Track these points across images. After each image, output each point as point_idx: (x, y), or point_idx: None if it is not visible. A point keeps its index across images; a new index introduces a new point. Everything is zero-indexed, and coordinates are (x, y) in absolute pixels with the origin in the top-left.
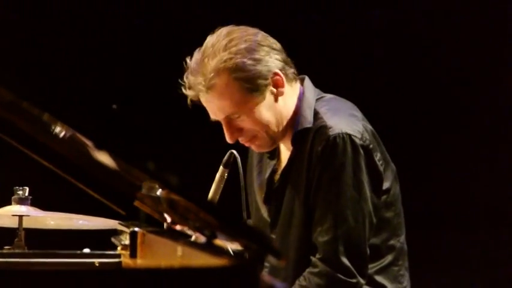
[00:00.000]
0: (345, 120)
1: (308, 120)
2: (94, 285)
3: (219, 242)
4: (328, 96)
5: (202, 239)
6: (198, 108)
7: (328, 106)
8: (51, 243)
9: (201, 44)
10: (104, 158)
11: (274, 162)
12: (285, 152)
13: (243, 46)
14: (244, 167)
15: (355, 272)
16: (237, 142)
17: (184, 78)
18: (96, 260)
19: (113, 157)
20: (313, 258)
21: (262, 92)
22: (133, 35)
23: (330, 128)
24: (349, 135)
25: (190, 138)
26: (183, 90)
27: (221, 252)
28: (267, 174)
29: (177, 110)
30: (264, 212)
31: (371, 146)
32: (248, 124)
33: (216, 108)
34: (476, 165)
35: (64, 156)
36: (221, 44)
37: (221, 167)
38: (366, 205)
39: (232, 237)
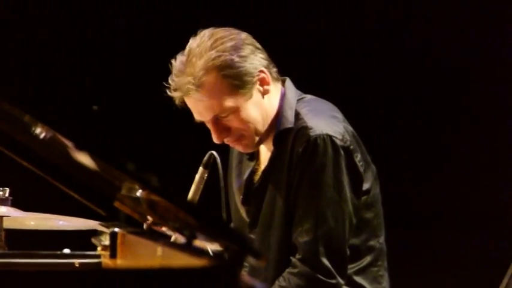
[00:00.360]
0: (325, 121)
1: (289, 120)
2: (74, 286)
3: (199, 242)
4: (309, 97)
5: (182, 239)
6: (179, 110)
7: (309, 107)
8: (31, 243)
9: (183, 45)
10: (84, 158)
11: (253, 163)
12: (265, 153)
13: (229, 44)
14: (224, 167)
15: (334, 272)
16: (216, 144)
17: (170, 80)
18: (76, 261)
19: (93, 158)
20: (293, 259)
21: (249, 89)
22: (115, 36)
23: (311, 129)
24: (330, 136)
25: (170, 139)
26: (168, 93)
27: (201, 252)
28: (245, 175)
29: (158, 111)
30: (243, 212)
31: (351, 147)
32: (235, 123)
33: (203, 108)
34: (462, 166)
35: (44, 157)
36: (207, 44)
37: (201, 168)
38: (346, 206)
39: (211, 238)
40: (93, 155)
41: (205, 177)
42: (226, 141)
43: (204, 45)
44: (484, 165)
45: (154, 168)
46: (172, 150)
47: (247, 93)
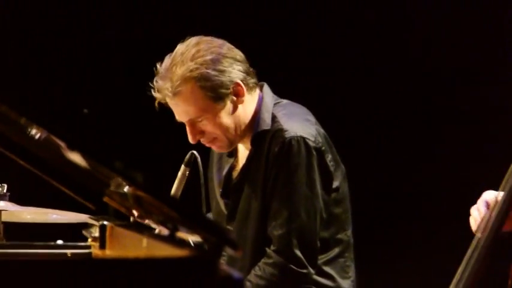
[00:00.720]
0: (300, 124)
1: (266, 122)
2: (66, 274)
3: (181, 234)
4: (285, 101)
5: (165, 231)
6: (164, 113)
7: (285, 111)
8: (27, 235)
9: (168, 50)
10: (76, 157)
11: (232, 160)
12: (243, 151)
13: (208, 57)
14: (204, 166)
15: (306, 263)
16: (198, 143)
17: (154, 82)
18: (69, 251)
19: (83, 157)
20: (268, 250)
21: (223, 100)
22: (103, 40)
23: (286, 131)
24: (304, 138)
25: (155, 140)
26: (152, 93)
27: (183, 244)
28: (225, 171)
29: (144, 115)
30: (222, 205)
31: (323, 148)
32: (209, 128)
33: (180, 112)
34: (430, 163)
35: (39, 156)
36: (189, 54)
37: (183, 166)
38: (317, 202)
39: (192, 230)
40: (83, 154)
41: (186, 175)
42: (202, 141)
43: (186, 54)
44: (464, 162)
45: (140, 167)
46: (157, 149)
47: (221, 104)
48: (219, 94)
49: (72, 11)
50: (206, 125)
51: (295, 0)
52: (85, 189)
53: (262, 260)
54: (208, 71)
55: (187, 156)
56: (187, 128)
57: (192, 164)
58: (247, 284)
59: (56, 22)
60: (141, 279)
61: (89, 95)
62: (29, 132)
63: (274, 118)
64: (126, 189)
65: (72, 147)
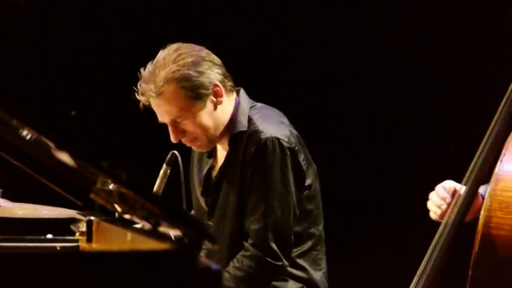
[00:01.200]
0: (274, 126)
1: (243, 124)
2: (56, 266)
3: (163, 229)
4: (260, 104)
5: (148, 226)
6: (147, 116)
7: (260, 114)
8: (19, 230)
9: (149, 55)
10: (64, 157)
11: (211, 161)
12: (222, 152)
13: (189, 60)
14: (184, 165)
15: (281, 255)
16: (179, 144)
17: (138, 86)
18: (58, 244)
19: (71, 156)
20: (245, 243)
21: (203, 100)
22: (87, 44)
23: (262, 132)
24: (278, 139)
25: (138, 141)
26: (137, 96)
27: (164, 237)
28: (205, 171)
29: (129, 117)
30: (202, 202)
31: (296, 148)
32: (190, 127)
33: (163, 112)
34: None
35: (31, 156)
36: (171, 58)
37: (164, 165)
38: (291, 198)
39: (173, 225)
40: (71, 154)
41: (168, 173)
42: (183, 141)
43: (168, 58)
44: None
45: (125, 166)
46: (140, 150)
47: (201, 104)
48: (199, 94)
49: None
50: (187, 125)
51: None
52: (73, 187)
53: (240, 253)
54: (190, 72)
55: (169, 155)
56: (170, 128)
57: (173, 163)
58: (226, 275)
59: (42, 24)
60: (125, 270)
61: (77, 98)
62: (21, 134)
63: (250, 120)
64: (111, 186)
65: (61, 148)
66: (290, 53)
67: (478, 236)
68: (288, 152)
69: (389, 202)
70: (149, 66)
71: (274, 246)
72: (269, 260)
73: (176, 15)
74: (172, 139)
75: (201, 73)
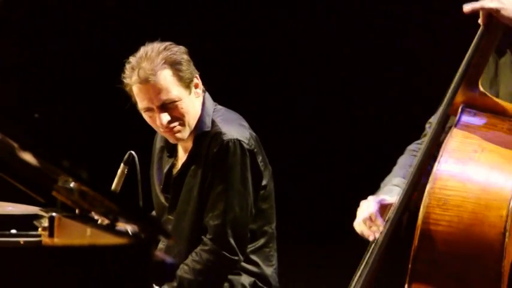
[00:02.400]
0: (235, 128)
1: (207, 125)
2: (19, 259)
3: (120, 224)
4: (221, 107)
5: (106, 222)
6: (107, 118)
7: (223, 116)
8: None
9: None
10: (28, 157)
11: (172, 160)
12: (182, 151)
13: (176, 49)
14: (140, 165)
15: (237, 251)
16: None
17: (129, 71)
18: (21, 239)
19: (35, 156)
20: (204, 238)
21: (189, 88)
22: (50, 47)
23: (224, 134)
24: (239, 141)
25: (98, 141)
26: (125, 80)
27: (122, 233)
28: (166, 169)
29: (90, 120)
30: (162, 199)
31: (255, 150)
32: (176, 112)
33: (155, 94)
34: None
35: None
36: (161, 47)
37: (122, 165)
38: (249, 197)
39: (130, 221)
40: (35, 154)
41: (125, 172)
42: (171, 125)
43: (158, 48)
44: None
45: (85, 165)
46: (99, 150)
47: (187, 90)
48: (188, 81)
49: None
50: (174, 109)
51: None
52: (36, 185)
53: (199, 247)
54: (183, 58)
55: (126, 156)
56: (159, 113)
57: (130, 163)
58: (185, 267)
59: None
60: (85, 263)
61: (40, 102)
62: None
63: (213, 122)
64: (72, 185)
65: (24, 148)
66: (248, 60)
67: (417, 232)
68: (248, 154)
69: (337, 203)
70: (139, 56)
71: (232, 241)
72: (226, 254)
73: (133, 19)
74: (162, 121)
75: (188, 62)
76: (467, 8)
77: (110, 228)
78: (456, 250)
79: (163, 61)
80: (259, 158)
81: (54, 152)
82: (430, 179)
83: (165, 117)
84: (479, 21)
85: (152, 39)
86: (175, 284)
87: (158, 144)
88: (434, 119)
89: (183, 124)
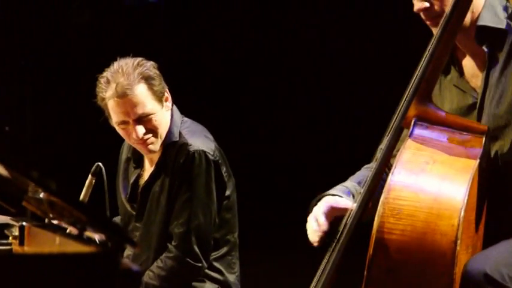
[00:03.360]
0: (201, 140)
1: (175, 136)
2: None
3: (88, 233)
4: (188, 120)
5: (75, 231)
6: (75, 131)
7: (189, 128)
8: None
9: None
10: None
11: (138, 170)
12: (148, 163)
13: (149, 64)
14: (107, 176)
15: (201, 258)
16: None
17: (104, 85)
18: None
19: (5, 167)
20: (169, 245)
21: (161, 101)
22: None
23: (190, 145)
24: (205, 152)
25: (66, 153)
26: (102, 93)
27: (89, 241)
28: (132, 179)
29: (58, 133)
30: (128, 207)
31: (220, 161)
32: (151, 125)
33: (131, 107)
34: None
35: None
36: (134, 62)
37: (90, 176)
38: (213, 207)
39: (97, 230)
40: (5, 165)
41: (93, 183)
42: (145, 137)
43: (132, 64)
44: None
45: (54, 176)
46: (68, 161)
47: (160, 103)
48: (160, 95)
49: None
50: (149, 122)
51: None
52: (6, 195)
53: (164, 254)
54: (155, 73)
55: (94, 167)
56: (134, 125)
57: (97, 174)
58: (150, 274)
59: None
60: (54, 270)
61: (10, 115)
62: None
63: (180, 134)
64: (41, 195)
65: None
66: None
67: (372, 240)
68: (213, 164)
69: (298, 213)
70: (115, 68)
71: (196, 248)
72: (190, 261)
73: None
74: (138, 135)
75: (160, 77)
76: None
77: (78, 237)
78: (410, 258)
79: (140, 76)
80: (223, 169)
81: (24, 163)
82: (384, 189)
83: (141, 129)
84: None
85: (116, 54)
86: None
87: (124, 155)
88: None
89: (156, 136)
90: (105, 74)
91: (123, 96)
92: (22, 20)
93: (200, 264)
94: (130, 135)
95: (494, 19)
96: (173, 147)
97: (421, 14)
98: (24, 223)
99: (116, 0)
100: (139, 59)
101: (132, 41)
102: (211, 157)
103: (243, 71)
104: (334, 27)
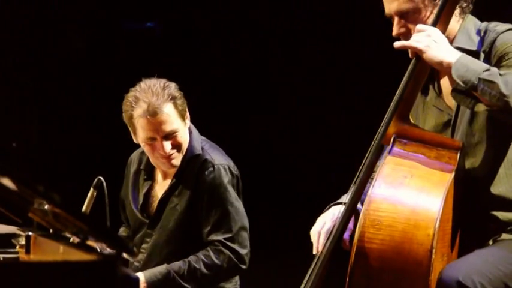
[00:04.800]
0: (221, 156)
1: (197, 149)
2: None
3: (90, 242)
4: (204, 138)
5: (77, 240)
6: (76, 148)
7: (208, 145)
8: None
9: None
10: (6, 182)
11: (150, 182)
12: (161, 176)
13: (173, 85)
14: (108, 189)
15: (246, 260)
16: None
17: (135, 102)
18: (1, 256)
19: (12, 181)
20: (211, 251)
21: (184, 119)
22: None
23: (213, 160)
24: (228, 166)
25: (69, 168)
26: (131, 111)
27: (91, 250)
28: (145, 190)
29: (62, 148)
30: (140, 215)
31: (238, 174)
32: (177, 141)
33: (160, 126)
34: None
35: None
36: (160, 84)
37: (91, 189)
38: (244, 213)
39: (99, 240)
40: (12, 179)
41: (94, 195)
42: (172, 152)
43: (160, 84)
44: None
45: (58, 189)
46: (71, 175)
47: (183, 121)
48: (183, 114)
49: None
50: (175, 138)
51: None
52: (14, 207)
53: (213, 254)
54: (179, 93)
55: (95, 181)
56: (162, 142)
57: (99, 187)
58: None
59: None
60: (58, 277)
61: (16, 132)
62: None
63: (202, 148)
64: (46, 207)
65: (3, 174)
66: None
67: (354, 249)
68: (236, 177)
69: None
70: (144, 88)
71: (241, 251)
72: (238, 263)
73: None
74: (165, 151)
75: (182, 97)
76: (397, 44)
77: (81, 246)
78: (388, 265)
79: (169, 96)
80: (240, 184)
81: (30, 178)
82: (365, 201)
83: (168, 145)
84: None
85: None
86: None
87: (132, 168)
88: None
89: (179, 151)
90: (132, 93)
91: (154, 114)
92: (22, 41)
93: (244, 267)
94: (156, 151)
95: (468, 42)
96: (195, 160)
97: (401, 38)
98: (30, 233)
99: (115, 24)
100: (164, 80)
101: (132, 63)
102: (234, 171)
103: (240, 92)
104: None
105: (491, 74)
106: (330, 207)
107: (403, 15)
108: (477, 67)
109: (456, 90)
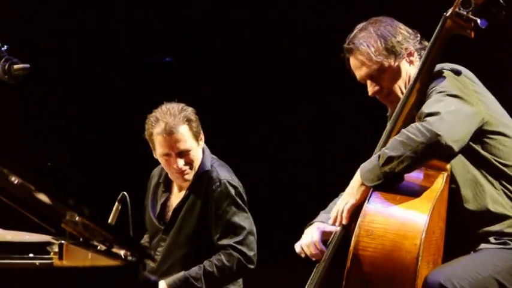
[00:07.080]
0: (227, 172)
1: (207, 166)
2: (36, 277)
3: (115, 250)
4: (215, 157)
5: (104, 248)
6: (101, 168)
7: (218, 163)
8: (8, 250)
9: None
10: (42, 196)
11: (167, 194)
12: (177, 189)
13: (190, 109)
14: (131, 203)
15: (254, 261)
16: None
17: (155, 121)
18: (37, 261)
19: (47, 196)
20: (231, 251)
21: (198, 140)
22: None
23: (222, 176)
24: (232, 181)
25: (97, 184)
26: (151, 129)
27: (116, 256)
28: (162, 200)
29: (90, 168)
30: (156, 222)
31: (241, 187)
32: (189, 159)
33: (175, 144)
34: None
35: (17, 196)
36: (180, 107)
37: (116, 203)
38: (250, 220)
39: (123, 247)
40: (47, 195)
41: (119, 209)
42: (184, 168)
43: (177, 107)
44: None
45: (87, 203)
46: (99, 191)
47: (197, 142)
48: (197, 135)
49: None
50: (188, 156)
51: None
52: (48, 218)
53: (224, 258)
54: (195, 117)
55: (120, 196)
56: (176, 158)
57: (123, 202)
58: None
59: None
60: (87, 280)
61: (52, 152)
62: (10, 179)
63: (212, 166)
64: (77, 218)
65: (39, 190)
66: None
67: (350, 256)
68: (241, 194)
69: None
70: (164, 110)
71: (249, 253)
72: (246, 264)
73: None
74: (179, 166)
75: (198, 120)
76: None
77: (107, 253)
78: (380, 271)
79: (185, 118)
80: (244, 195)
81: (63, 193)
82: (361, 214)
83: (181, 162)
84: None
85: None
86: None
87: (154, 181)
88: None
89: (191, 168)
90: (154, 114)
91: (170, 133)
92: (50, 74)
93: (252, 266)
94: (171, 165)
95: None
96: (205, 176)
97: (377, 96)
98: (63, 241)
99: (138, 59)
100: (182, 104)
101: (152, 94)
102: (239, 188)
103: (257, 122)
104: None
105: (389, 146)
106: (311, 224)
107: (373, 77)
108: (372, 160)
109: (387, 180)
